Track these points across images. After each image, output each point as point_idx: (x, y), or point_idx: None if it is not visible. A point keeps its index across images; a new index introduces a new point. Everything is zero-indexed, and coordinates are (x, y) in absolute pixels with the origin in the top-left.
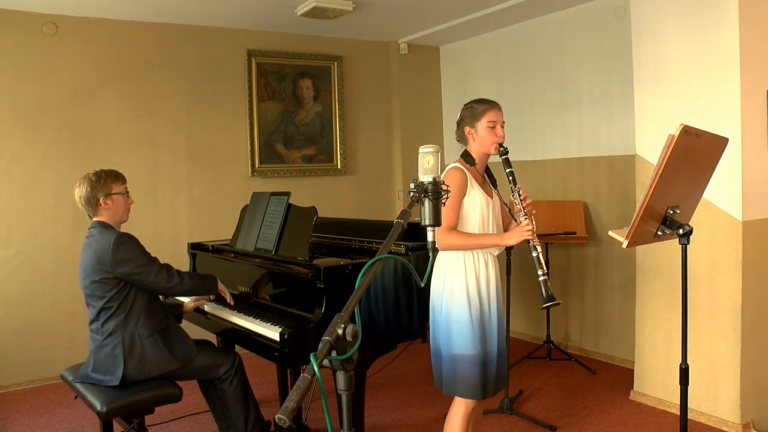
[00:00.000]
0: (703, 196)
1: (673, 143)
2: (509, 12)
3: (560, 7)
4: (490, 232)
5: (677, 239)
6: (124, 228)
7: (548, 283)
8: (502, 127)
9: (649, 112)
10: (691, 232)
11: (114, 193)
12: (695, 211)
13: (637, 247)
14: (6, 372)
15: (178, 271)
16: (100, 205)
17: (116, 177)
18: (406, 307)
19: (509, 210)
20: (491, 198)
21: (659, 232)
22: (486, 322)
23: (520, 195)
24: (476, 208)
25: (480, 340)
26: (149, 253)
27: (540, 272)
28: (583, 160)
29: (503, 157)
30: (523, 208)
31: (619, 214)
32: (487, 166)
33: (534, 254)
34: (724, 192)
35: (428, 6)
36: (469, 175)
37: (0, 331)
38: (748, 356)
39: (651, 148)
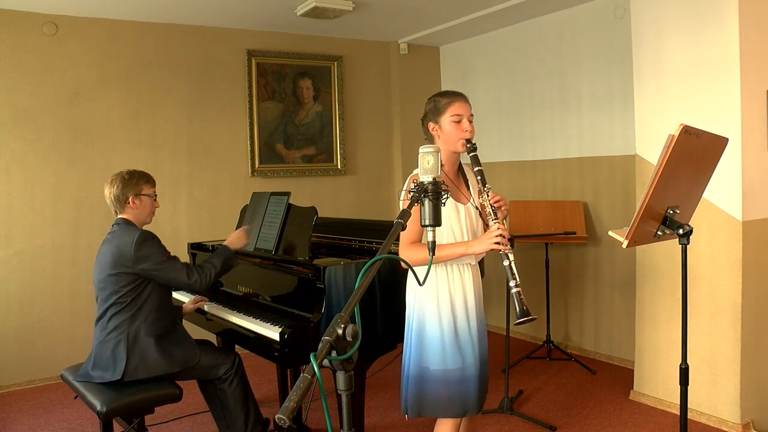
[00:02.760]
0: (703, 196)
1: (673, 143)
2: (509, 12)
3: (560, 7)
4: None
5: (677, 239)
6: None
7: (522, 296)
8: (470, 121)
9: (649, 112)
10: (691, 232)
11: (143, 194)
12: (695, 211)
13: (637, 247)
14: (6, 372)
15: (200, 267)
16: (128, 203)
17: (147, 179)
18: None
19: (480, 214)
20: (465, 204)
21: (659, 232)
22: (462, 338)
23: (488, 196)
24: (443, 218)
25: (452, 357)
26: (169, 253)
27: (513, 283)
28: (583, 160)
29: (471, 154)
30: (493, 210)
31: (619, 214)
32: (461, 166)
33: (505, 263)
34: (724, 192)
35: (428, 6)
36: None
37: (0, 331)
38: (748, 356)
39: (651, 148)
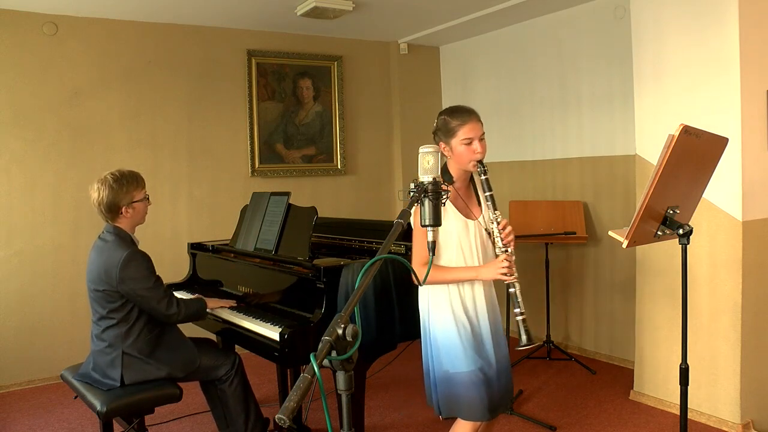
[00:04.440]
0: (703, 196)
1: (673, 143)
2: (509, 12)
3: (560, 7)
4: (475, 259)
5: (677, 239)
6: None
7: (527, 324)
8: (481, 140)
9: (649, 112)
10: (691, 232)
11: (136, 201)
12: (695, 211)
13: (637, 247)
14: (6, 372)
15: (178, 301)
16: (122, 213)
17: (137, 182)
18: (407, 307)
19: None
20: (474, 219)
21: (659, 232)
22: (478, 339)
23: (498, 224)
24: (452, 235)
25: (473, 357)
26: (157, 276)
27: (518, 310)
28: (583, 160)
29: (483, 177)
30: (501, 239)
31: (619, 214)
32: (472, 179)
33: (511, 290)
34: (724, 192)
35: (428, 6)
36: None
37: (0, 330)
38: (748, 356)
39: (651, 148)
